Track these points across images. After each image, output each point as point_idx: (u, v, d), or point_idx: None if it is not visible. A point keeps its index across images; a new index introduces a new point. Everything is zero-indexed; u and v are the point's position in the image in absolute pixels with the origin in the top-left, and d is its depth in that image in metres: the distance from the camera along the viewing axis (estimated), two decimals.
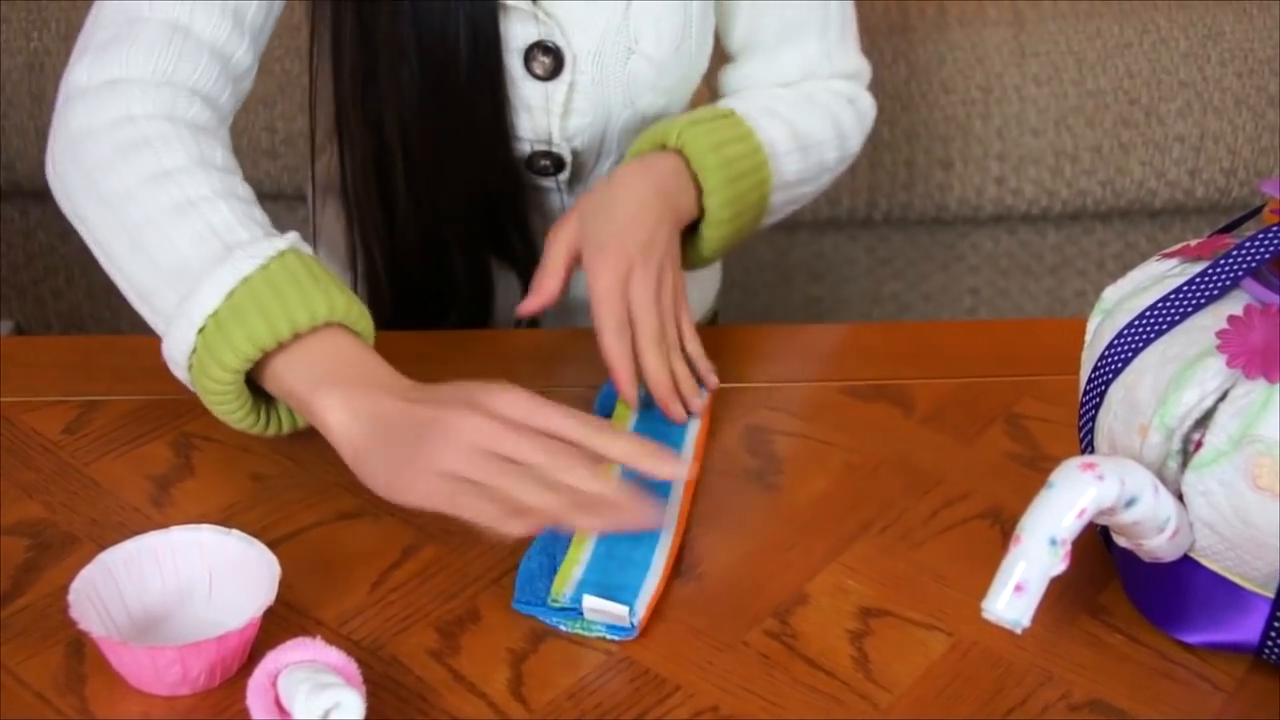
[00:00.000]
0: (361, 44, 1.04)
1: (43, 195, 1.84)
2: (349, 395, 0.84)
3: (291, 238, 0.90)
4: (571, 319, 1.22)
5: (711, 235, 1.05)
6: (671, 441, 0.94)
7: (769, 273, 1.93)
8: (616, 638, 0.80)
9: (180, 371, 0.89)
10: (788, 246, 1.91)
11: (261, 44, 1.03)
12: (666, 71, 1.10)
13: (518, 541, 0.86)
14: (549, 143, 1.11)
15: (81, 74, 0.95)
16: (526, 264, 1.15)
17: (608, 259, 0.95)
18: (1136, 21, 1.79)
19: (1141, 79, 1.80)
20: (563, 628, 0.80)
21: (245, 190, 0.93)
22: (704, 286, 1.36)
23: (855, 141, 1.16)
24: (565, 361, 1.05)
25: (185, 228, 0.88)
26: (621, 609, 0.79)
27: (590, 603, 0.80)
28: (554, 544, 0.85)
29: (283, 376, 0.86)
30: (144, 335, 1.02)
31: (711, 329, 1.31)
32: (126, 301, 0.90)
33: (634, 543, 0.85)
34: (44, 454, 0.94)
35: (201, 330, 0.85)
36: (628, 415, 0.97)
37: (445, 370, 0.99)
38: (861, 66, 1.19)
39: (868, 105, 1.18)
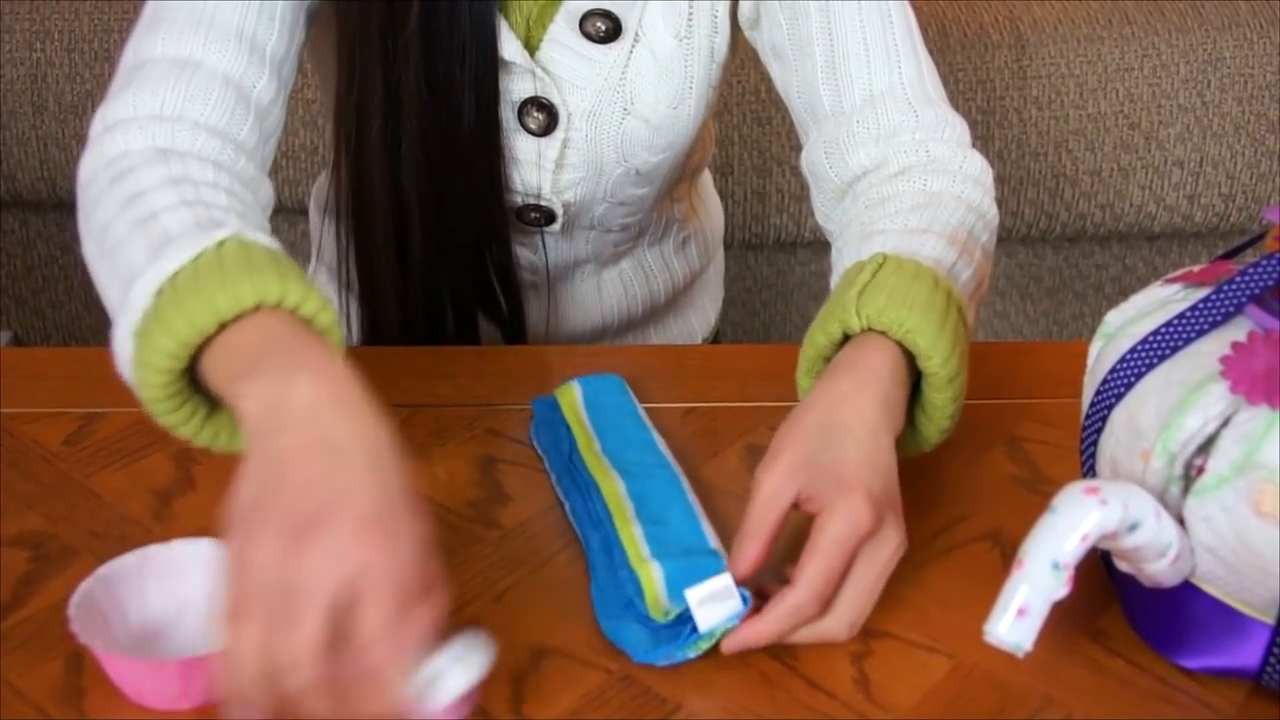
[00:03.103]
0: (385, 110, 1.03)
1: (43, 206, 1.86)
2: (266, 383, 0.73)
3: (235, 225, 0.82)
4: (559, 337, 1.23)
5: (941, 399, 0.86)
6: (636, 442, 0.94)
7: (768, 291, 1.93)
8: (736, 623, 0.78)
9: (128, 377, 0.80)
10: (787, 265, 1.92)
11: (287, 76, 1.02)
12: (662, 132, 1.09)
13: (518, 558, 0.86)
14: (539, 196, 1.11)
15: (96, 123, 0.95)
16: (512, 323, 1.16)
17: (852, 500, 0.78)
18: (1137, 46, 1.80)
19: (1142, 103, 1.81)
20: (690, 654, 0.79)
21: (227, 198, 0.88)
22: (708, 308, 1.36)
23: (991, 211, 1.00)
24: (556, 379, 1.05)
25: (142, 237, 0.83)
26: (724, 581, 0.78)
27: (694, 594, 0.78)
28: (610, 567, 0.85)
29: (208, 371, 0.77)
30: None
31: (712, 348, 1.31)
32: None
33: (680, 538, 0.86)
34: (44, 465, 0.93)
35: (135, 333, 0.79)
36: (580, 423, 0.96)
37: (443, 385, 0.99)
38: (953, 121, 1.03)
39: (979, 168, 1.01)
